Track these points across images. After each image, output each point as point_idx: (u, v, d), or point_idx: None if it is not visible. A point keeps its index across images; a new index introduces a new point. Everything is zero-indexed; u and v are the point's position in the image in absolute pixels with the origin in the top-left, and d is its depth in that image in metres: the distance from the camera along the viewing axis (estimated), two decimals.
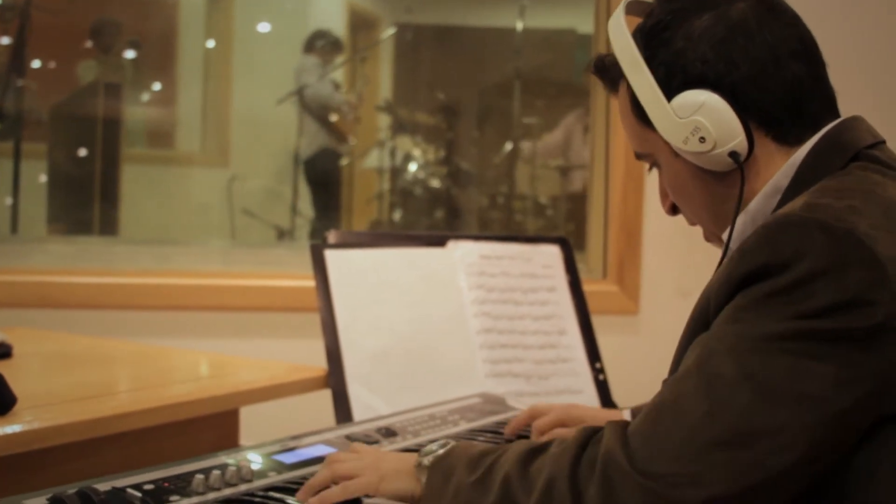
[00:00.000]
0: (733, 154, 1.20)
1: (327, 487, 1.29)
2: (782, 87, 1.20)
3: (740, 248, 1.10)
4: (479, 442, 1.27)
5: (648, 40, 1.23)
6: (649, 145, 1.29)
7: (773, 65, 1.20)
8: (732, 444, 1.02)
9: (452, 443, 1.26)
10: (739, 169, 1.21)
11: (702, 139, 1.19)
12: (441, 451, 1.25)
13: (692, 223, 1.34)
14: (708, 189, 1.26)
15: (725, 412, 1.03)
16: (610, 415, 1.69)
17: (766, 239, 1.07)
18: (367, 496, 1.28)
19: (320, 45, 5.96)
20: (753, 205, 1.23)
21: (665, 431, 1.05)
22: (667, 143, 1.24)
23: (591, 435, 1.12)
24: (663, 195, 1.34)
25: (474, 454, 1.20)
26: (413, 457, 1.28)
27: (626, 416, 1.66)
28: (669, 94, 1.21)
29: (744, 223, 1.23)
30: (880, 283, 1.02)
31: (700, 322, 1.14)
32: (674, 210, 1.34)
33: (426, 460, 1.25)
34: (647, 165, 1.35)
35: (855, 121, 1.23)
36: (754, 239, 1.08)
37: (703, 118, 1.19)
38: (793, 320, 1.03)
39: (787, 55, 1.21)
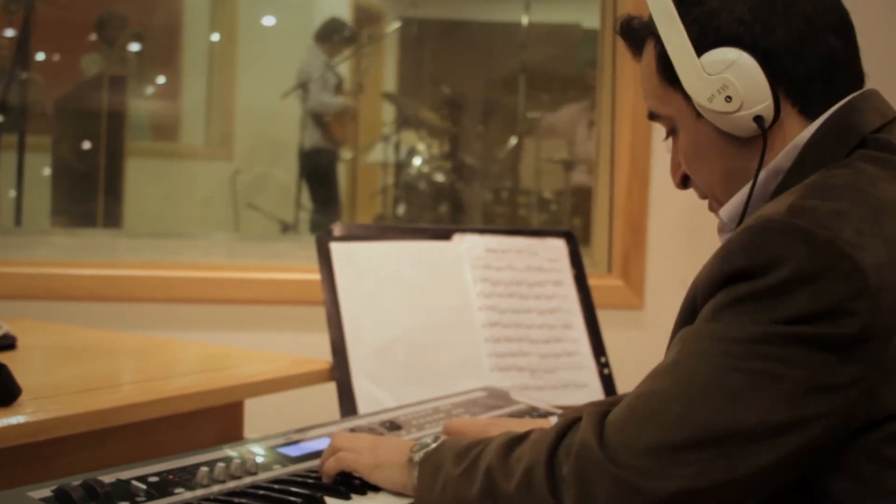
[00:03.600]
0: (758, 119, 1.17)
1: None
2: (816, 58, 1.18)
3: (724, 246, 1.09)
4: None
5: None
6: (670, 107, 1.25)
7: (810, 35, 1.18)
8: (701, 446, 1.02)
9: (444, 437, 1.27)
10: (763, 135, 1.18)
11: (728, 98, 1.17)
12: (432, 447, 1.25)
13: (703, 196, 1.31)
14: (727, 153, 1.22)
15: (696, 414, 1.03)
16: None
17: (748, 242, 1.06)
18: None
19: (337, 39, 5.88)
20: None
21: (639, 425, 1.06)
22: (689, 105, 1.22)
23: (571, 423, 1.13)
24: (675, 166, 1.31)
25: (461, 447, 1.21)
26: (408, 449, 1.28)
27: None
28: (700, 51, 1.18)
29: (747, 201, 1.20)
30: (860, 294, 1.01)
31: (688, 316, 1.13)
32: (684, 183, 1.31)
33: (417, 456, 1.25)
34: (658, 139, 1.33)
35: (864, 99, 1.19)
36: (737, 240, 1.07)
37: (731, 76, 1.16)
38: (769, 324, 1.02)
39: (824, 27, 1.19)
